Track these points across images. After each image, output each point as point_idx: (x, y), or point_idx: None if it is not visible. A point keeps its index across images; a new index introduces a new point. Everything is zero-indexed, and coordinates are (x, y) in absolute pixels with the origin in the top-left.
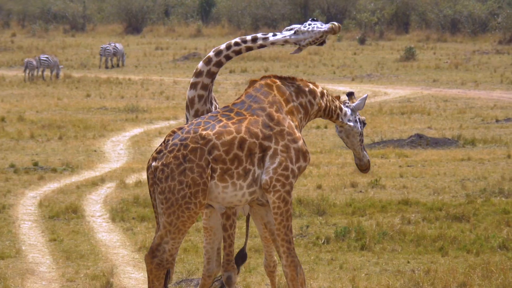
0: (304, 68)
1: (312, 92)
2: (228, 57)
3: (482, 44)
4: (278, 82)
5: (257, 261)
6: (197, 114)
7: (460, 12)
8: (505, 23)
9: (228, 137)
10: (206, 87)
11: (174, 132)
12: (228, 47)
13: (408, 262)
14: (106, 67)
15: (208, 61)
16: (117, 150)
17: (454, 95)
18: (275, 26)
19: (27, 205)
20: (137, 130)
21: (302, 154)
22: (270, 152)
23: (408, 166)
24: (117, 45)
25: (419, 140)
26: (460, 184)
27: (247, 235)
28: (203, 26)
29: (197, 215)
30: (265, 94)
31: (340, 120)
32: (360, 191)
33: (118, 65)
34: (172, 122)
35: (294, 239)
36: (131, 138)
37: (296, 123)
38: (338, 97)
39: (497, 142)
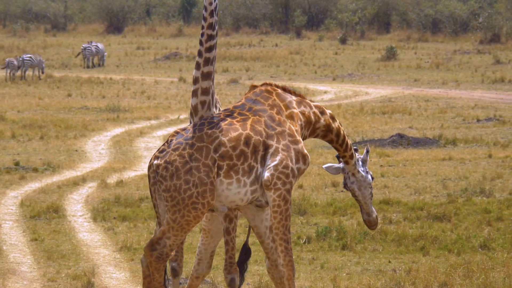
0: (285, 67)
1: (319, 107)
2: (209, 49)
3: (463, 44)
4: (279, 90)
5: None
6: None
7: (441, 12)
8: (486, 23)
9: (234, 134)
10: (206, 92)
11: (177, 132)
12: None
13: (389, 261)
14: (87, 67)
15: (197, 66)
16: (99, 150)
17: (435, 94)
18: (256, 25)
19: (8, 204)
20: (118, 130)
21: (302, 157)
22: (271, 150)
23: (389, 165)
24: (98, 44)
25: (400, 140)
26: (441, 184)
27: (249, 231)
28: (184, 26)
29: (203, 215)
30: (265, 98)
31: (354, 163)
32: (341, 191)
33: (99, 65)
34: (153, 121)
35: None
36: (112, 138)
37: (297, 128)
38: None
39: (478, 141)
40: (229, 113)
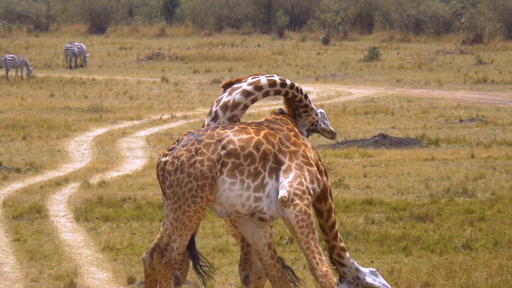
0: (268, 68)
1: (324, 167)
2: (286, 93)
3: (445, 44)
4: (295, 128)
5: (220, 261)
6: (232, 119)
7: (423, 12)
8: (469, 23)
9: (246, 136)
10: (254, 101)
11: (189, 132)
12: (292, 87)
13: (372, 261)
14: (70, 67)
15: (272, 84)
16: (81, 150)
17: (418, 95)
18: (238, 26)
19: None
20: (101, 130)
21: (316, 179)
22: (284, 167)
23: (371, 166)
24: (82, 44)
25: (382, 140)
26: (423, 184)
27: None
28: (167, 26)
29: (204, 210)
30: (283, 122)
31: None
32: None
33: (82, 65)
34: (136, 122)
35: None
36: (95, 138)
37: (311, 156)
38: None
39: (460, 142)
40: (245, 124)
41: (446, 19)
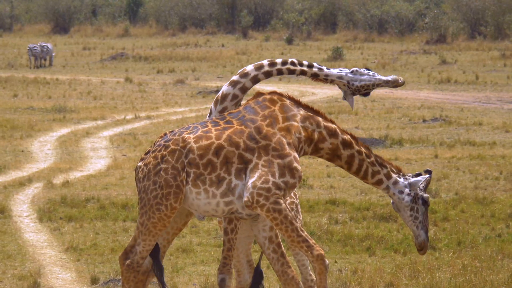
0: (232, 68)
1: (330, 130)
2: (280, 72)
3: (409, 44)
4: (286, 101)
5: (184, 261)
6: (223, 111)
7: (387, 12)
8: (432, 23)
9: (205, 142)
10: (244, 90)
11: (165, 134)
12: (284, 63)
13: (336, 261)
14: (37, 67)
15: (259, 67)
16: (45, 150)
17: (381, 95)
18: (202, 26)
19: None
20: (64, 130)
21: (289, 170)
22: (251, 166)
23: (335, 166)
24: (48, 44)
25: None
26: None
27: (261, 254)
28: (130, 26)
29: (169, 218)
30: (263, 107)
31: (385, 186)
32: None
33: (45, 65)
34: (99, 122)
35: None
36: (58, 138)
37: (290, 141)
38: (399, 168)
39: (424, 142)
40: (218, 120)
41: (410, 19)
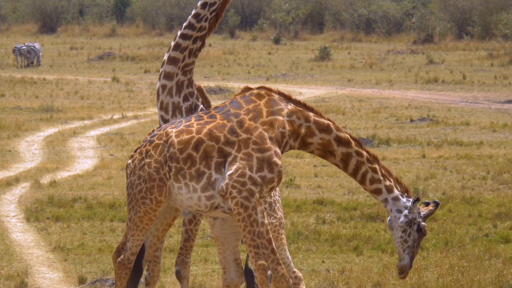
0: (219, 67)
1: (322, 125)
2: (184, 36)
3: (396, 44)
4: (274, 96)
5: (171, 261)
6: (161, 106)
7: (374, 12)
8: (420, 23)
9: (185, 136)
10: (169, 77)
11: (153, 130)
12: (181, 28)
13: (323, 261)
14: (27, 66)
15: (168, 49)
16: (32, 150)
17: (369, 95)
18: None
19: None
20: (51, 130)
21: (268, 165)
22: (230, 159)
23: (322, 165)
24: (35, 44)
25: None
26: None
27: (247, 256)
28: (117, 26)
29: (155, 212)
30: (249, 101)
31: (383, 199)
32: None
33: (31, 64)
34: (86, 122)
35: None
36: (45, 138)
37: (272, 135)
38: (406, 188)
39: (411, 142)
40: (202, 114)
41: (397, 19)
